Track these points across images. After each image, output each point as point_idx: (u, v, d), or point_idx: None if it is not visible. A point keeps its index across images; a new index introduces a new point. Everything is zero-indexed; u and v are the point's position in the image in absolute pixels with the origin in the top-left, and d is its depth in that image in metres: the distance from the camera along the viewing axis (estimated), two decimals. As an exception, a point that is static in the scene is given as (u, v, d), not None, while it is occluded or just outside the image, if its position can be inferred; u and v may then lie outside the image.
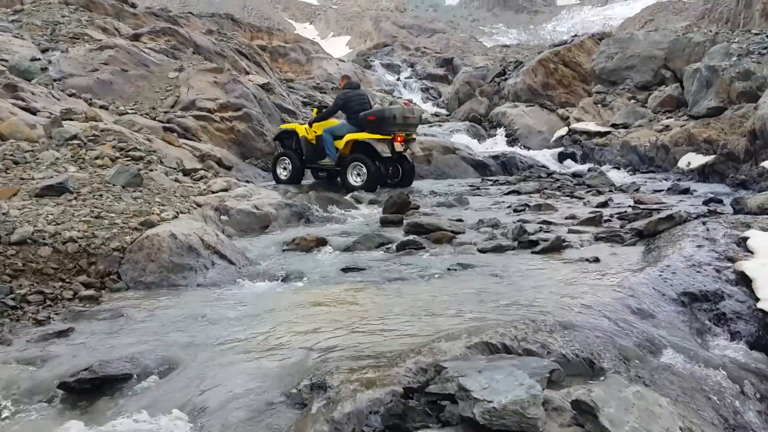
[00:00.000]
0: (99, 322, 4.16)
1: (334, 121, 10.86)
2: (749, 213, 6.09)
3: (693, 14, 53.80)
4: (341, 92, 10.83)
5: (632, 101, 16.72)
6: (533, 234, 6.14)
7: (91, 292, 4.69)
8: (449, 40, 67.56)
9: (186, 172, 8.56)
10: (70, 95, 10.79)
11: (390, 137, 10.04)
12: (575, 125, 16.20)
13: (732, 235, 4.87)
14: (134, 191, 6.56)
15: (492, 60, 30.30)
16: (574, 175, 11.94)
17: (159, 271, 5.13)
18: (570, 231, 6.35)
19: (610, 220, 6.94)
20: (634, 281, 4.23)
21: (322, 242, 6.39)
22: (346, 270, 5.33)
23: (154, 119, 11.36)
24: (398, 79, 30.30)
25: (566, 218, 7.17)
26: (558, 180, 11.24)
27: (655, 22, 60.26)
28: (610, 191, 9.84)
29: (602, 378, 2.90)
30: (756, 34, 15.21)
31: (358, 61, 33.91)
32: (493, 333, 3.17)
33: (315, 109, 11.37)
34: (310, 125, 10.71)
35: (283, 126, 11.83)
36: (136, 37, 15.55)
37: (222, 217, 7.11)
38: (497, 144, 17.12)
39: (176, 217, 6.19)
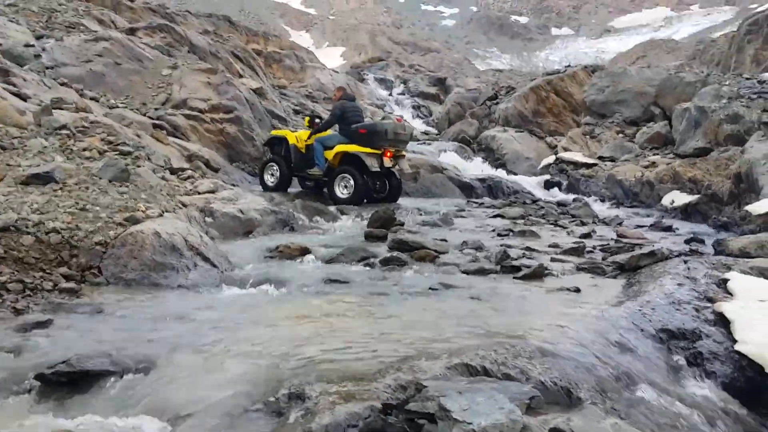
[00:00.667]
0: (78, 315, 4.13)
1: (325, 131, 10.85)
2: (730, 255, 6.16)
3: (685, 54, 54.64)
4: (338, 103, 10.76)
5: (620, 135, 16.88)
6: (516, 259, 6.17)
7: (71, 284, 4.65)
8: (443, 59, 67.98)
9: (173, 171, 8.52)
10: (61, 84, 10.71)
11: (380, 152, 10.02)
12: (563, 154, 16.32)
13: (712, 276, 4.93)
14: (121, 186, 6.52)
15: (484, 83, 30.56)
16: (559, 204, 12.02)
17: (141, 268, 5.10)
18: (553, 259, 6.38)
19: (593, 252, 6.99)
20: (614, 314, 4.26)
21: (305, 251, 6.38)
22: (328, 281, 5.32)
23: (145, 115, 11.30)
24: (390, 95, 30.42)
25: (549, 246, 7.21)
26: (543, 207, 11.30)
27: (647, 59, 61.01)
28: (594, 223, 9.91)
29: (579, 408, 2.92)
30: (747, 79, 15.47)
31: (351, 73, 34.00)
32: (474, 355, 3.19)
33: (307, 118, 11.34)
34: (309, 137, 10.65)
35: (274, 132, 11.76)
36: (131, 31, 15.49)
37: (207, 218, 7.08)
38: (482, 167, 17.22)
39: (161, 215, 6.15)
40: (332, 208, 9.50)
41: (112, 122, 9.11)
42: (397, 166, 10.49)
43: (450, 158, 16.16)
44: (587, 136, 17.35)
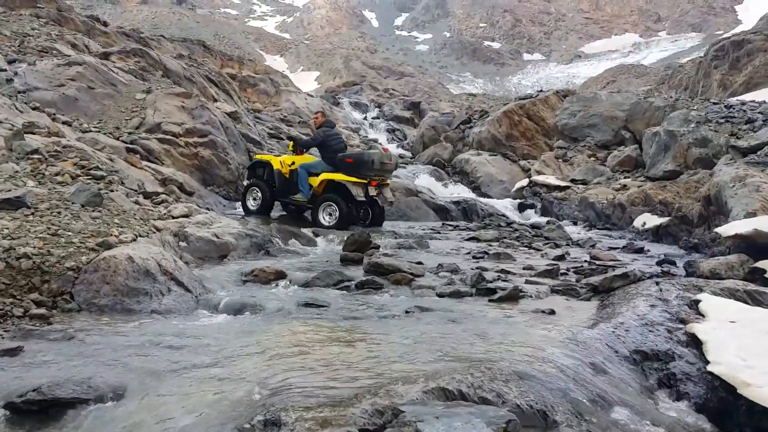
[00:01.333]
0: (49, 342, 4.05)
1: (310, 158, 10.93)
2: (701, 276, 6.26)
3: (654, 79, 55.68)
4: (320, 130, 10.85)
5: (592, 159, 17.13)
6: (491, 282, 6.21)
7: (42, 310, 4.57)
8: (417, 84, 68.53)
9: (147, 195, 8.47)
10: (33, 108, 10.59)
11: (366, 181, 10.11)
12: (536, 178, 16.50)
13: (684, 297, 5.00)
14: (93, 211, 6.46)
15: (458, 107, 30.83)
16: (533, 226, 12.12)
17: (113, 294, 5.03)
18: (527, 281, 6.43)
19: (567, 274, 7.06)
20: (588, 336, 4.30)
21: (281, 275, 6.36)
22: (304, 305, 5.30)
23: (118, 139, 11.22)
24: (365, 119, 30.56)
25: (524, 268, 7.27)
26: (517, 230, 11.40)
27: (616, 84, 62.08)
28: (567, 245, 10.02)
29: (555, 431, 2.93)
30: (714, 103, 15.83)
31: (326, 97, 34.14)
32: (450, 379, 3.19)
33: (291, 142, 11.47)
34: (295, 153, 10.84)
35: (258, 156, 11.78)
36: (105, 56, 15.42)
37: (181, 243, 7.03)
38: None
39: (135, 240, 6.09)
40: (308, 232, 9.49)
41: (84, 146, 9.04)
42: (381, 195, 10.54)
43: (425, 181, 16.27)
44: (560, 160, 17.57)
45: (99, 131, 11.13)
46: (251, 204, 10.80)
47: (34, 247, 5.14)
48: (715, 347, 4.03)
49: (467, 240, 9.99)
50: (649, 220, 11.33)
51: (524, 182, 16.78)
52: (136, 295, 5.08)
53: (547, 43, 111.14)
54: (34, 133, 8.71)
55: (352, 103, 33.24)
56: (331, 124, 11.20)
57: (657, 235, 10.87)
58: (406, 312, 5.12)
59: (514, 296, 5.66)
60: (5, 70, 11.77)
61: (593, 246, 9.82)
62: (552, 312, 5.13)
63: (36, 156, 7.57)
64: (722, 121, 13.72)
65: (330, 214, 10.13)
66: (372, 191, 10.26)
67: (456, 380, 3.17)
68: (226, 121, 14.44)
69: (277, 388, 3.18)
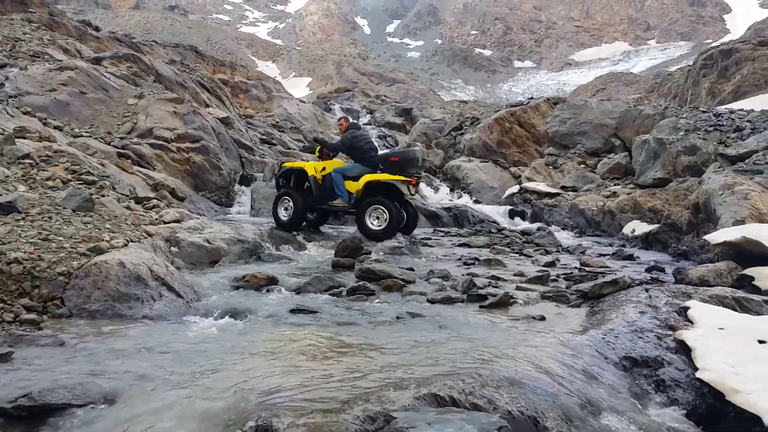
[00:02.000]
0: (39, 348, 4.04)
1: (339, 162, 10.46)
2: (690, 284, 6.31)
3: (643, 87, 56.12)
4: (347, 133, 10.36)
5: (582, 166, 17.23)
6: (482, 288, 6.23)
7: (32, 316, 4.56)
8: (408, 90, 68.71)
9: (138, 200, 8.46)
10: (24, 113, 10.59)
11: (409, 179, 9.74)
12: (526, 184, 16.57)
13: (673, 304, 5.03)
14: (85, 216, 6.45)
15: (449, 114, 30.91)
16: (524, 233, 12.16)
17: (104, 299, 5.02)
18: (518, 288, 6.45)
19: (557, 280, 7.09)
20: (579, 342, 4.33)
21: (272, 281, 6.37)
22: (295, 311, 5.30)
23: (109, 144, 11.21)
24: (357, 125, 30.58)
25: (515, 275, 7.30)
26: (508, 236, 11.44)
27: (606, 91, 62.48)
28: (558, 251, 10.06)
29: (546, 437, 2.94)
30: (703, 112, 15.97)
31: (318, 103, 34.14)
32: (442, 385, 3.20)
33: (318, 147, 10.88)
34: (321, 158, 10.37)
35: (288, 164, 10.91)
36: (97, 61, 15.41)
37: (172, 248, 7.02)
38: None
39: (126, 245, 6.08)
40: (299, 237, 9.48)
41: (76, 151, 9.02)
42: (417, 194, 10.25)
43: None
44: (550, 167, 17.67)
45: (90, 136, 11.12)
46: (283, 215, 10.11)
47: (25, 252, 5.13)
48: (703, 354, 4.06)
49: (458, 246, 10.02)
50: (638, 227, 11.38)
51: (515, 189, 16.84)
52: (128, 301, 5.08)
53: (538, 51, 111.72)
54: (25, 138, 8.70)
55: (344, 110, 33.24)
56: (357, 126, 10.83)
57: (646, 242, 10.92)
58: (398, 318, 5.13)
59: (504, 302, 5.68)
60: (-4, 75, 11.74)
61: (583, 253, 9.87)
62: (542, 318, 5.15)
63: (27, 161, 7.55)
64: (711, 129, 13.85)
65: (378, 218, 9.66)
66: (413, 190, 9.89)
67: (447, 386, 3.18)
68: (218, 126, 14.45)
69: (268, 394, 3.18)
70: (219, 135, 14.03)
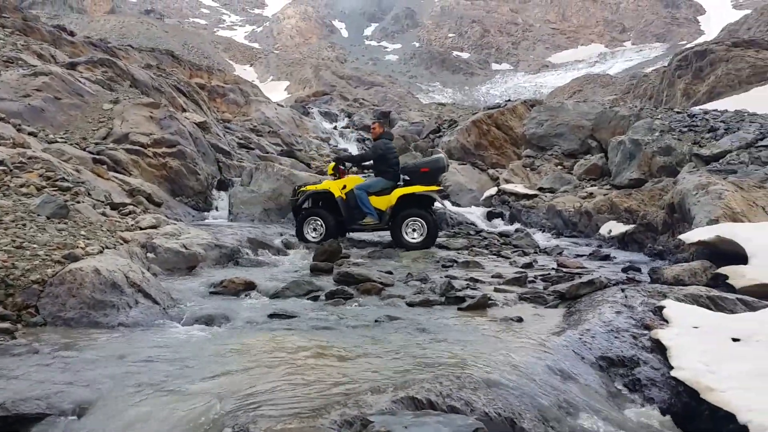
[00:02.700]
0: (13, 357, 3.99)
1: (359, 178, 10.27)
2: (665, 283, 6.37)
3: (619, 88, 56.67)
4: (381, 141, 10.17)
5: (559, 167, 17.35)
6: (461, 290, 6.25)
7: (6, 325, 4.49)
8: (387, 93, 68.80)
9: (114, 206, 8.39)
10: (-3, 119, 10.45)
11: (440, 189, 9.73)
12: (504, 186, 16.65)
13: (649, 304, 5.07)
14: (59, 223, 6.38)
15: (428, 116, 30.99)
16: (502, 234, 12.22)
17: (79, 307, 4.97)
18: (496, 289, 6.49)
19: (534, 281, 7.13)
20: (556, 343, 4.35)
21: (250, 286, 6.34)
22: (273, 316, 5.28)
23: (85, 150, 11.10)
24: (335, 128, 30.59)
25: (493, 276, 7.33)
26: (486, 238, 11.48)
27: (583, 93, 63.04)
28: (535, 253, 10.12)
29: (523, 438, 2.96)
30: (678, 113, 16.15)
31: (296, 107, 34.10)
32: (419, 388, 3.21)
33: (332, 164, 10.56)
34: (336, 176, 10.13)
35: (310, 188, 10.45)
36: (72, 66, 15.26)
37: (149, 254, 6.97)
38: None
39: (101, 252, 6.03)
40: (277, 242, 9.44)
41: (50, 157, 8.92)
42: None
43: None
44: (528, 168, 17.78)
45: (65, 142, 11.00)
46: (312, 235, 9.92)
47: (-2, 260, 5.06)
48: (678, 353, 4.10)
49: (436, 248, 10.04)
50: (614, 227, 11.47)
51: (493, 191, 16.92)
52: (103, 308, 5.02)
53: (515, 53, 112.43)
54: (-2, 145, 8.58)
55: (322, 113, 33.27)
56: (390, 135, 10.53)
57: (623, 242, 11.02)
58: (376, 321, 5.13)
59: (482, 304, 5.71)
60: (-32, 81, 11.58)
61: (560, 253, 9.94)
62: (520, 320, 5.18)
63: (0, 167, 7.46)
64: (685, 129, 14.00)
65: (415, 230, 9.67)
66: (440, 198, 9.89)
67: (425, 389, 3.19)
68: (195, 131, 14.36)
69: (245, 400, 3.16)
70: (196, 140, 13.95)
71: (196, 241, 7.73)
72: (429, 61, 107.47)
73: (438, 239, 10.11)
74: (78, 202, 7.36)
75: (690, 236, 7.53)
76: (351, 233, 10.54)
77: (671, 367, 4.03)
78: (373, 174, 10.44)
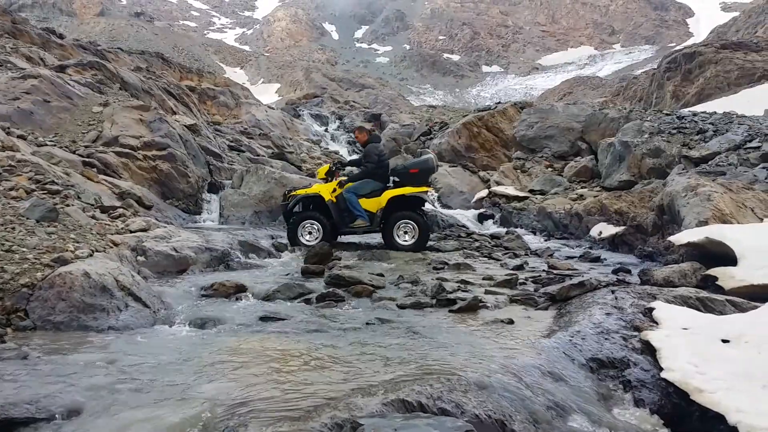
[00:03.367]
0: (2, 361, 3.96)
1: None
2: (655, 284, 6.39)
3: (609, 90, 56.87)
4: (372, 146, 10.08)
5: (550, 169, 17.40)
6: (451, 293, 6.25)
7: (-5, 329, 4.48)
8: (378, 95, 68.74)
9: (104, 210, 8.36)
10: (-14, 122, 10.41)
11: (429, 189, 9.69)
12: (495, 188, 16.68)
13: (639, 305, 5.09)
14: (49, 226, 6.35)
15: (418, 119, 31.01)
16: (493, 236, 12.23)
17: (69, 310, 4.95)
18: (487, 291, 6.49)
19: (525, 283, 7.14)
20: (546, 345, 4.36)
21: (241, 289, 6.33)
22: (264, 319, 5.28)
23: (74, 153, 11.06)
24: (326, 130, 30.54)
25: (484, 279, 7.33)
26: (477, 240, 11.49)
27: (573, 95, 63.26)
28: (526, 255, 10.13)
29: (509, 440, 2.96)
30: (667, 115, 16.23)
31: (287, 109, 34.02)
32: (410, 390, 3.21)
33: (326, 167, 10.46)
34: (342, 185, 9.95)
35: (300, 192, 10.33)
36: (61, 69, 15.20)
37: (139, 257, 6.94)
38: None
39: (91, 255, 6.00)
40: (268, 244, 9.42)
41: (40, 161, 8.88)
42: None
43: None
44: (518, 170, 17.82)
45: (55, 145, 10.96)
46: (307, 239, 9.76)
47: (-13, 264, 5.03)
48: (668, 354, 4.12)
49: (428, 251, 10.04)
50: (605, 229, 11.51)
51: (484, 193, 16.94)
52: (93, 312, 5.00)
53: (505, 56, 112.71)
54: (-14, 148, 8.54)
55: (313, 116, 33.17)
56: (378, 139, 10.53)
57: (613, 243, 11.05)
58: (367, 324, 5.13)
59: (473, 307, 5.71)
60: (-44, 83, 11.52)
61: (551, 255, 9.95)
62: (510, 322, 5.18)
63: (-12, 171, 7.42)
64: (674, 131, 14.08)
65: (406, 233, 9.65)
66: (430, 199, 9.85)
67: (415, 392, 3.19)
68: (186, 134, 14.32)
69: (236, 404, 3.16)
70: (186, 142, 13.91)
71: (187, 244, 7.70)
72: (419, 64, 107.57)
73: (429, 241, 10.10)
74: (67, 206, 7.32)
75: (679, 238, 7.56)
76: (342, 236, 10.48)
77: (661, 369, 4.04)
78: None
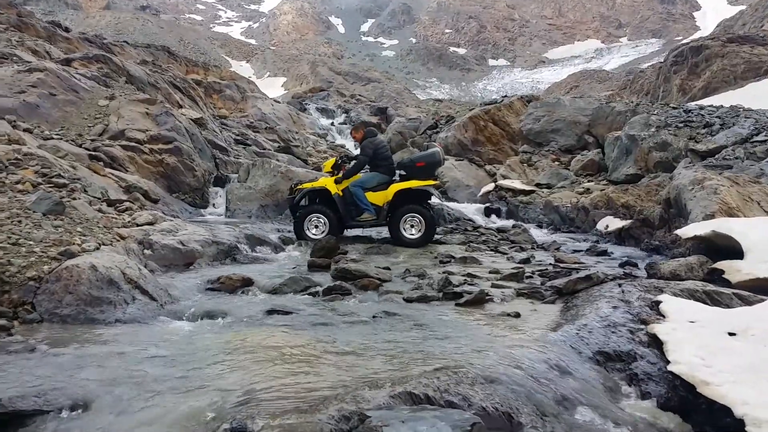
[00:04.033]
0: (10, 354, 3.98)
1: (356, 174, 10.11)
2: (662, 278, 6.37)
3: (616, 84, 56.67)
4: (367, 141, 10.02)
5: (556, 163, 17.36)
6: (458, 286, 6.25)
7: (3, 322, 4.48)
8: (384, 89, 68.67)
9: (110, 203, 8.37)
10: (-8, 116, 10.43)
11: (436, 182, 9.62)
12: (502, 182, 16.65)
13: (645, 299, 5.08)
14: (55, 219, 6.37)
15: (425, 112, 31.00)
16: (499, 230, 12.21)
17: (76, 303, 4.96)
18: (493, 285, 6.48)
19: (532, 277, 7.12)
20: (553, 338, 4.36)
21: (248, 282, 6.33)
22: (271, 312, 5.28)
23: (81, 146, 11.07)
24: (332, 124, 30.56)
25: (490, 272, 7.32)
26: (483, 234, 11.47)
27: (579, 89, 63.05)
28: (533, 248, 10.11)
29: (520, 432, 2.97)
30: (674, 108, 16.15)
31: (293, 103, 34.05)
32: (417, 383, 3.21)
33: (332, 160, 10.50)
34: (338, 182, 9.90)
35: (306, 185, 10.27)
36: (67, 62, 15.22)
37: (146, 251, 6.95)
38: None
39: (98, 248, 6.02)
40: (274, 238, 9.42)
41: (46, 154, 8.90)
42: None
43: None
44: (525, 164, 17.78)
45: (61, 138, 10.97)
46: (314, 233, 9.70)
47: (-6, 257, 5.05)
48: (675, 347, 4.11)
49: (434, 244, 10.03)
50: (611, 222, 11.48)
51: (490, 186, 16.91)
52: (100, 305, 5.02)
53: (512, 49, 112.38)
54: (-7, 141, 8.56)
55: (319, 109, 33.21)
56: (374, 133, 10.42)
57: (619, 237, 11.02)
58: (374, 317, 5.13)
59: (480, 300, 5.71)
60: (-37, 77, 11.54)
61: (557, 249, 9.93)
62: (517, 315, 5.18)
63: (-4, 164, 7.44)
64: (681, 125, 14.02)
65: (413, 226, 9.61)
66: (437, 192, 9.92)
67: (422, 384, 3.20)
68: (192, 127, 14.33)
69: (243, 397, 3.17)
70: (192, 136, 13.93)
71: (193, 238, 7.71)
72: (426, 57, 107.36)
73: (435, 235, 10.10)
74: (74, 199, 7.34)
75: (686, 231, 7.53)
76: (348, 230, 10.49)
77: (668, 362, 4.03)
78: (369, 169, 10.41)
